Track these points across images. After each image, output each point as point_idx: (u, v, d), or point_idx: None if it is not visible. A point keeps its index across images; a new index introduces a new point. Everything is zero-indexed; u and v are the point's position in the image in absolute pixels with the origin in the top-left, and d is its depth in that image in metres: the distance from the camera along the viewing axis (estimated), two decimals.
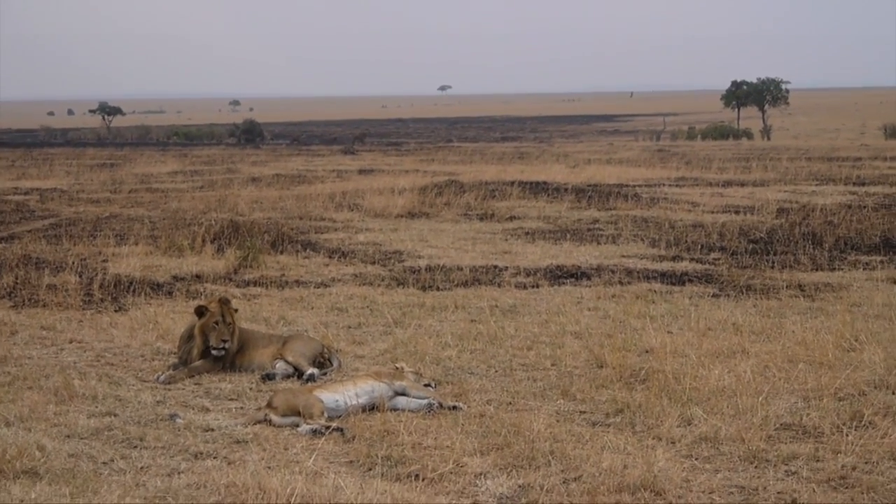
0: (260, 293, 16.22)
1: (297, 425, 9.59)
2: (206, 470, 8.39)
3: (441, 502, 7.86)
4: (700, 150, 57.50)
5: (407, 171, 41.15)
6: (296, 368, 11.52)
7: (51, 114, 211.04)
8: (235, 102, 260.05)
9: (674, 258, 19.43)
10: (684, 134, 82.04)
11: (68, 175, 41.88)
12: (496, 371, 11.62)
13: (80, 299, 15.32)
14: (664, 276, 17.42)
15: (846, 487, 8.02)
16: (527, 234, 22.96)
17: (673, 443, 9.04)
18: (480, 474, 8.34)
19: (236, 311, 12.07)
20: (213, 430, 9.54)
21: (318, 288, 16.61)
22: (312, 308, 15.07)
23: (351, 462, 8.72)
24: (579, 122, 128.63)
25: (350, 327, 13.86)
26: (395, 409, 10.08)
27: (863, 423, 9.33)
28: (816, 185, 33.53)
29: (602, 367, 11.50)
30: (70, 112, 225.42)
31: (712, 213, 26.26)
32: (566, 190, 30.88)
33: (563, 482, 8.13)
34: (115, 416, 9.99)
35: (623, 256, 19.71)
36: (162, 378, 11.30)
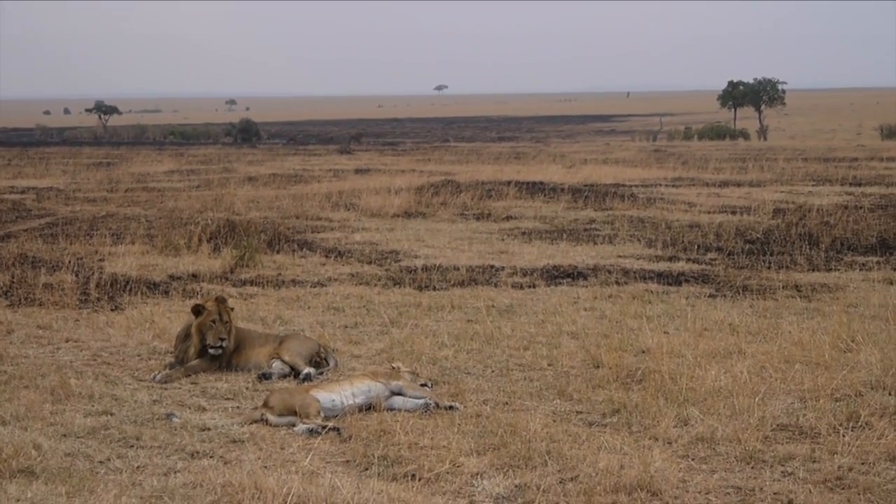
0: (256, 292, 16.22)
1: (294, 425, 9.59)
2: (203, 469, 8.38)
3: (437, 502, 7.85)
4: (696, 150, 57.53)
5: (403, 170, 41.16)
6: (292, 368, 11.52)
7: (47, 113, 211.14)
8: (232, 102, 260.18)
9: (670, 258, 19.43)
10: (681, 134, 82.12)
11: (65, 174, 41.86)
12: (493, 371, 11.61)
13: (76, 298, 15.30)
14: (661, 277, 17.42)
15: (843, 488, 8.01)
16: (523, 234, 22.96)
17: (669, 443, 9.04)
18: (477, 474, 8.34)
19: (232, 309, 12.06)
20: (209, 429, 9.54)
21: (315, 287, 16.61)
22: (309, 307, 15.07)
23: (347, 462, 8.72)
24: (576, 123, 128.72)
25: (346, 327, 13.85)
26: (392, 409, 10.07)
27: (859, 423, 9.33)
28: (813, 185, 33.56)
29: (598, 367, 11.50)
30: (66, 111, 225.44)
31: (709, 213, 26.26)
32: (563, 190, 30.88)
33: (560, 482, 8.13)
34: (112, 415, 9.98)
35: (619, 256, 19.71)
36: (158, 377, 11.29)
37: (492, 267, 18.39)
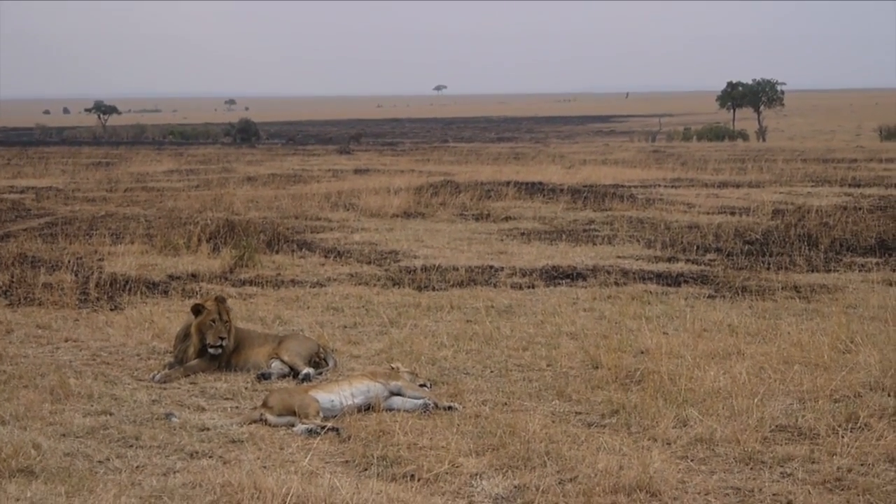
0: (256, 292, 16.22)
1: (293, 425, 9.59)
2: (202, 469, 8.38)
3: (436, 503, 7.86)
4: (696, 151, 57.57)
5: (402, 170, 41.15)
6: (291, 368, 11.52)
7: (46, 112, 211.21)
8: (231, 102, 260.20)
9: (669, 259, 19.43)
10: (680, 135, 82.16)
11: (64, 174, 41.87)
12: (492, 371, 11.62)
13: (75, 298, 15.30)
14: (660, 277, 17.42)
15: (842, 489, 8.02)
16: (522, 234, 22.96)
17: (668, 444, 9.04)
18: (476, 475, 8.34)
19: (230, 310, 12.06)
20: (208, 429, 9.54)
21: (314, 287, 16.61)
22: (308, 308, 15.07)
23: (347, 462, 8.72)
24: (575, 123, 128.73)
25: (346, 327, 13.85)
26: (391, 410, 10.07)
27: (858, 424, 9.33)
28: (812, 186, 33.56)
29: (597, 367, 11.50)
30: (66, 111, 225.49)
31: (708, 214, 26.26)
32: (562, 190, 30.90)
33: (559, 483, 8.13)
34: (111, 414, 9.98)
35: (619, 257, 19.71)
36: (157, 377, 11.29)
37: (491, 267, 18.39)
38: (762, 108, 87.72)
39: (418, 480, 8.18)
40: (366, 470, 8.47)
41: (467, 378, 11.29)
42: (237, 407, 10.41)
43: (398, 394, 10.25)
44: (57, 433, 9.34)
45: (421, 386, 10.52)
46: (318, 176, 40.09)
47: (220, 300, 11.91)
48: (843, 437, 8.98)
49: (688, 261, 19.27)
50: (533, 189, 31.14)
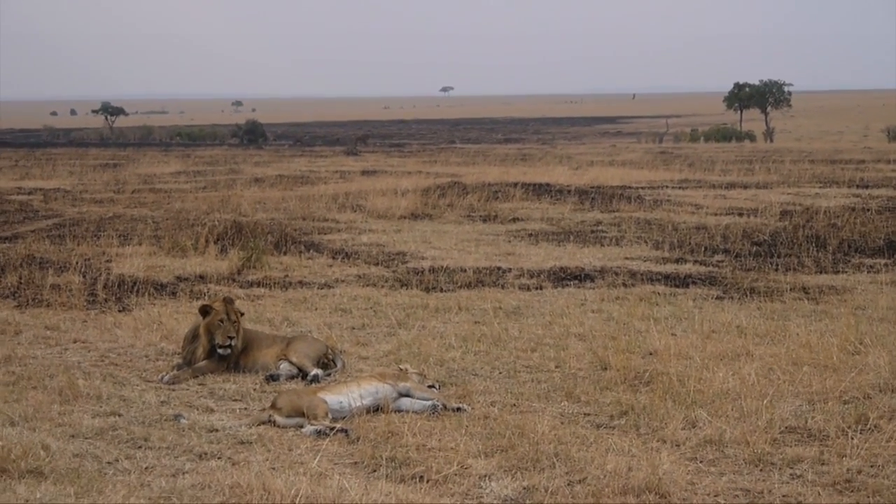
0: (263, 294, 16.22)
1: (302, 426, 9.59)
2: (211, 470, 8.39)
3: None
4: (703, 152, 57.53)
5: (410, 172, 41.14)
6: (300, 369, 11.52)
7: (54, 114, 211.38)
8: (238, 103, 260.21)
9: (677, 260, 19.42)
10: (687, 136, 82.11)
11: (71, 175, 41.91)
12: (500, 373, 11.61)
13: (83, 299, 15.32)
14: (668, 279, 17.40)
15: (851, 491, 8.00)
16: (530, 235, 22.96)
17: (677, 445, 9.03)
18: (485, 476, 8.34)
19: (242, 314, 12.06)
20: (217, 430, 9.54)
21: (322, 289, 16.61)
22: (316, 309, 15.07)
23: (355, 463, 8.72)
24: (582, 124, 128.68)
25: (354, 328, 13.85)
26: (399, 411, 10.07)
27: (868, 426, 9.31)
28: (820, 187, 33.53)
29: (606, 369, 11.49)
30: (73, 112, 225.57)
31: (715, 215, 26.24)
32: (569, 192, 30.90)
33: (568, 484, 8.12)
34: (120, 416, 9.99)
35: (626, 258, 19.70)
36: (166, 378, 11.30)
37: (499, 268, 18.38)
38: (769, 109, 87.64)
39: (427, 482, 8.17)
40: (375, 471, 8.47)
41: (476, 379, 11.29)
42: (246, 408, 10.41)
43: (407, 395, 10.24)
44: (66, 434, 9.35)
45: (429, 387, 10.52)
46: (325, 177, 40.10)
47: (227, 301, 11.92)
48: (852, 438, 8.96)
49: (696, 262, 19.26)
50: (540, 190, 31.14)
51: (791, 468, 8.48)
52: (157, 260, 19.24)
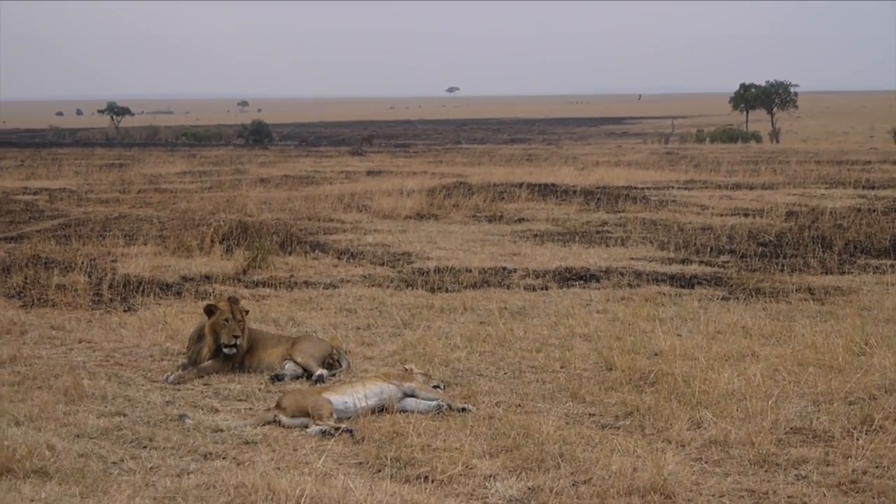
0: (269, 294, 16.23)
1: (307, 426, 9.59)
2: (216, 470, 8.39)
3: None
4: (709, 152, 57.51)
5: (415, 172, 41.13)
6: (305, 369, 11.52)
7: (59, 114, 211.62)
8: (244, 103, 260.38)
9: (683, 261, 19.40)
10: (693, 137, 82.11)
11: (77, 175, 41.93)
12: (505, 373, 11.61)
13: (89, 299, 15.33)
14: (673, 279, 17.39)
15: (857, 492, 8.00)
16: (535, 236, 22.95)
17: (683, 446, 9.03)
18: (489, 476, 8.34)
19: (247, 312, 12.07)
20: (222, 430, 9.54)
21: (327, 289, 16.61)
22: (321, 309, 15.07)
23: (360, 463, 8.72)
24: (588, 125, 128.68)
25: (359, 328, 13.85)
26: (404, 411, 10.07)
27: (873, 427, 9.31)
28: (825, 188, 33.50)
29: (611, 369, 11.49)
30: (79, 112, 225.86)
31: (721, 215, 26.22)
32: (575, 192, 30.89)
33: (573, 485, 8.12)
34: (125, 416, 10.00)
35: (632, 259, 19.68)
36: (171, 378, 11.30)
37: (504, 269, 18.37)
38: (775, 109, 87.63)
39: (432, 482, 8.17)
40: (379, 471, 8.47)
41: (481, 379, 11.28)
42: (251, 408, 10.42)
43: (412, 395, 10.24)
44: (71, 434, 9.36)
45: (434, 387, 10.52)
46: (330, 177, 40.11)
47: (232, 300, 11.93)
48: (857, 439, 8.96)
49: (701, 262, 19.24)
50: (546, 191, 31.14)
51: (796, 469, 8.47)
52: (163, 260, 19.25)
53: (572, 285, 17.04)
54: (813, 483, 8.17)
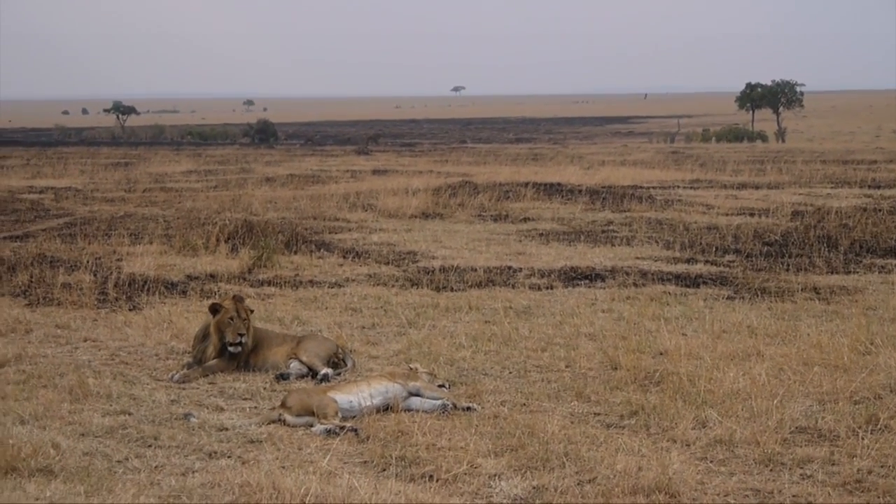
0: (274, 293, 16.23)
1: (312, 425, 9.59)
2: (221, 469, 8.39)
3: (455, 503, 7.85)
4: (714, 152, 57.49)
5: (421, 171, 41.16)
6: (310, 368, 11.52)
7: (65, 113, 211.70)
8: (249, 102, 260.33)
9: (688, 260, 19.39)
10: (699, 136, 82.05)
11: (83, 174, 41.96)
12: (510, 372, 11.60)
13: (94, 298, 15.34)
14: (679, 279, 17.38)
15: (862, 491, 7.99)
16: (541, 235, 22.94)
17: (688, 445, 9.02)
18: (494, 475, 8.33)
19: (252, 311, 12.07)
20: (227, 429, 9.54)
21: (333, 288, 16.61)
22: (326, 308, 15.07)
23: (365, 462, 8.72)
24: (593, 124, 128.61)
25: (364, 327, 13.85)
26: (409, 410, 10.07)
27: (878, 426, 9.30)
28: (831, 187, 33.47)
29: (616, 368, 11.48)
30: (84, 111, 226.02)
31: (727, 215, 26.20)
32: (580, 191, 30.89)
33: (578, 484, 8.12)
34: (130, 414, 10.00)
35: (637, 258, 19.67)
36: (176, 377, 11.31)
37: (509, 268, 18.37)
38: (781, 109, 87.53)
39: (437, 481, 8.17)
40: (384, 470, 8.47)
41: (486, 379, 11.28)
42: (256, 407, 10.41)
43: (417, 394, 10.24)
44: (76, 433, 9.36)
45: (439, 387, 10.51)
46: (336, 176, 40.14)
47: (237, 299, 11.93)
48: (863, 438, 8.95)
49: (707, 262, 19.23)
50: (551, 190, 31.13)
51: (801, 468, 8.46)
52: (168, 259, 19.26)
53: (578, 285, 17.03)
54: (818, 482, 8.16)
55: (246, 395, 10.84)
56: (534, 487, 8.07)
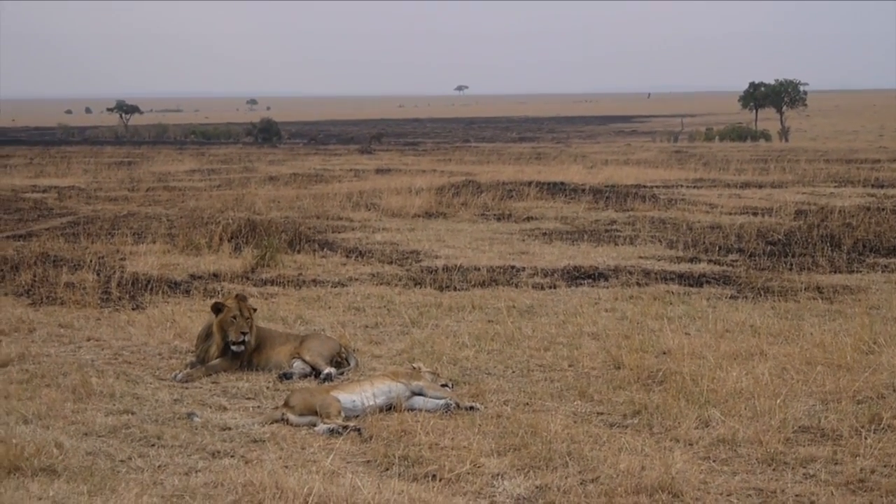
0: (277, 292, 16.24)
1: (315, 425, 9.60)
2: (224, 469, 8.40)
3: (458, 503, 7.85)
4: (718, 151, 57.46)
5: (424, 170, 41.15)
6: (313, 368, 11.52)
7: (69, 112, 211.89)
8: (253, 101, 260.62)
9: (691, 259, 19.39)
10: (702, 135, 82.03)
11: (86, 173, 41.97)
12: (513, 372, 11.60)
13: (97, 297, 15.35)
14: (682, 278, 17.38)
15: (864, 491, 7.99)
16: (544, 234, 22.94)
17: (690, 444, 9.02)
18: (497, 475, 8.33)
19: (255, 310, 12.07)
20: (230, 428, 9.55)
21: (336, 287, 16.62)
22: (330, 307, 15.07)
23: (368, 462, 8.73)
24: (597, 123, 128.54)
25: (367, 327, 13.86)
26: (413, 410, 10.07)
27: (881, 426, 9.30)
28: (835, 186, 33.44)
29: (619, 368, 11.48)
30: (88, 110, 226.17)
31: (730, 214, 26.18)
32: (584, 191, 30.87)
33: (581, 483, 8.12)
34: (133, 414, 10.00)
35: (640, 258, 19.67)
36: (179, 376, 11.31)
37: (512, 267, 18.37)
38: (784, 108, 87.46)
39: (440, 480, 8.18)
40: (387, 470, 8.47)
41: (489, 378, 11.28)
42: (259, 406, 10.42)
43: (420, 394, 10.24)
44: (79, 432, 9.37)
45: (442, 386, 10.51)
46: (339, 176, 40.13)
47: (240, 298, 11.93)
48: (866, 438, 8.94)
49: (710, 261, 19.23)
50: (555, 189, 31.11)
51: (804, 468, 8.46)
52: (171, 258, 19.27)
53: (581, 284, 17.03)
54: (821, 482, 8.16)
55: (249, 395, 10.85)
56: (537, 487, 8.07)
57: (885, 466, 8.42)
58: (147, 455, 8.81)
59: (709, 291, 16.32)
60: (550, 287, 16.71)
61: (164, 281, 16.70)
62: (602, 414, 10.04)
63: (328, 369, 11.39)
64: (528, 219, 25.72)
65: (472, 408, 10.08)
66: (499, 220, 25.66)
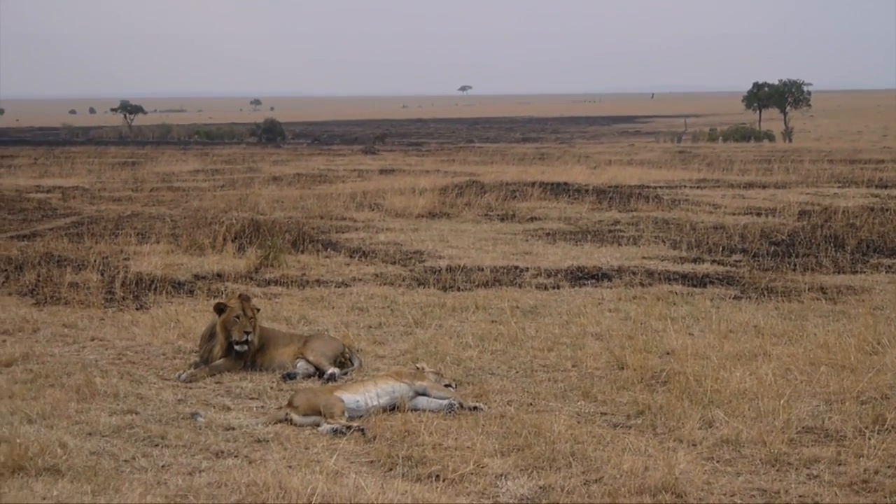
0: (281, 292, 16.24)
1: (318, 425, 9.60)
2: (227, 469, 8.40)
3: (461, 503, 7.85)
4: (721, 151, 57.45)
5: (428, 171, 41.14)
6: (317, 368, 11.52)
7: (73, 112, 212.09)
8: (256, 102, 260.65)
9: (695, 260, 19.38)
10: (705, 135, 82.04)
11: (90, 173, 41.98)
12: (517, 372, 11.60)
13: (101, 297, 15.35)
14: (685, 278, 17.37)
15: (868, 491, 7.98)
16: (548, 234, 22.93)
17: (694, 445, 9.01)
18: (501, 475, 8.33)
19: (258, 310, 12.07)
20: (234, 428, 9.55)
21: (339, 287, 16.62)
22: (333, 307, 15.07)
23: (372, 462, 8.72)
24: (600, 124, 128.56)
25: (371, 327, 13.85)
26: (416, 410, 10.07)
27: (885, 426, 9.29)
28: (838, 187, 33.41)
29: (623, 368, 11.48)
30: (92, 111, 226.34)
31: (734, 215, 26.17)
32: (587, 191, 30.87)
33: (584, 484, 8.12)
34: (137, 414, 10.01)
35: (644, 258, 19.66)
36: (183, 376, 11.32)
37: (516, 268, 18.36)
38: (788, 108, 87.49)
39: (443, 481, 8.17)
40: (391, 470, 8.47)
41: (492, 378, 11.28)
42: (262, 406, 10.42)
43: (423, 394, 10.24)
44: (83, 432, 9.37)
45: (446, 386, 10.52)
46: (343, 176, 40.14)
47: (243, 298, 11.93)
48: (869, 438, 8.94)
49: (713, 262, 19.22)
50: (558, 189, 31.10)
51: (808, 468, 8.46)
52: (175, 258, 19.27)
53: (584, 284, 17.03)
54: (825, 482, 8.15)
55: (253, 395, 10.85)
56: (540, 487, 8.07)
57: (888, 467, 8.42)
58: (151, 455, 8.82)
59: (712, 292, 16.31)
60: (554, 287, 16.70)
61: (168, 281, 16.70)
62: (605, 414, 10.04)
63: (332, 369, 11.39)
64: (532, 219, 25.72)
65: (475, 408, 10.08)
66: (502, 220, 25.65)
